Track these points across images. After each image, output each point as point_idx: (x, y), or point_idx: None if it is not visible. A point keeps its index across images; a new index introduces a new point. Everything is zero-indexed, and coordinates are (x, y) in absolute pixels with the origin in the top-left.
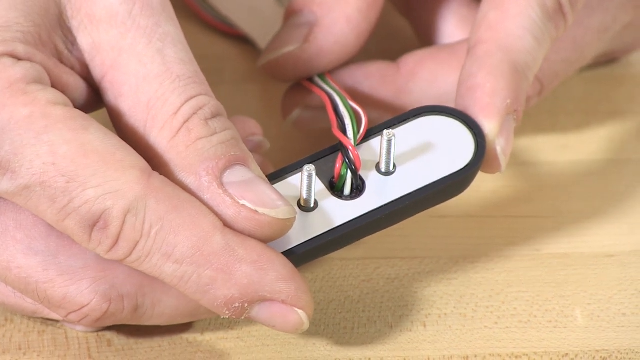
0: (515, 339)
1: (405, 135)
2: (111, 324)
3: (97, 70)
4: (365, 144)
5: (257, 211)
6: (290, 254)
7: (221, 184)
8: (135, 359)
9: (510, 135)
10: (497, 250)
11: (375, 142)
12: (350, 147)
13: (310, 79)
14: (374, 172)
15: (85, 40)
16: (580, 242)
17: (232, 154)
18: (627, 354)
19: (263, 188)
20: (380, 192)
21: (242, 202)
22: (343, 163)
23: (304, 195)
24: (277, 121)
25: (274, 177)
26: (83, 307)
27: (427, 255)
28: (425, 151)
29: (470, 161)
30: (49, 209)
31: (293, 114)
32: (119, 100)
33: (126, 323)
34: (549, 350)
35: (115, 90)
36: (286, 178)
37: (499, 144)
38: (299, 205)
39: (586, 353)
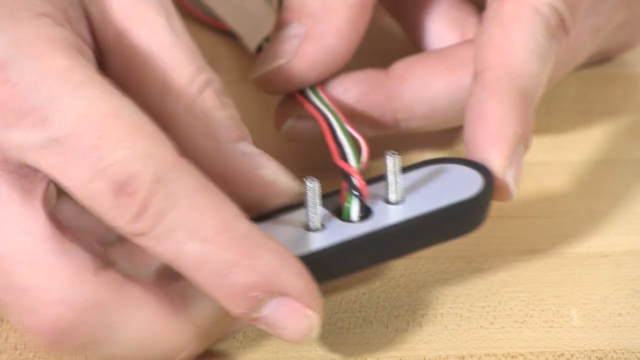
0: (511, 338)
1: (412, 177)
2: (65, 348)
3: (109, 40)
4: (371, 186)
5: (276, 180)
6: None
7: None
8: None
9: (521, 163)
10: (493, 250)
11: (381, 185)
12: (355, 175)
13: (303, 91)
14: (382, 203)
15: (97, 10)
16: (576, 242)
17: (242, 129)
18: (623, 353)
19: (274, 162)
20: (387, 217)
21: (262, 170)
22: (348, 191)
23: (310, 212)
24: (272, 122)
25: (282, 211)
26: (45, 307)
27: (423, 255)
28: (434, 186)
29: (478, 193)
30: (76, 167)
31: (286, 124)
32: (129, 68)
33: (81, 351)
34: (544, 350)
35: (125, 59)
36: (292, 212)
37: (510, 174)
38: (305, 227)
39: (582, 353)
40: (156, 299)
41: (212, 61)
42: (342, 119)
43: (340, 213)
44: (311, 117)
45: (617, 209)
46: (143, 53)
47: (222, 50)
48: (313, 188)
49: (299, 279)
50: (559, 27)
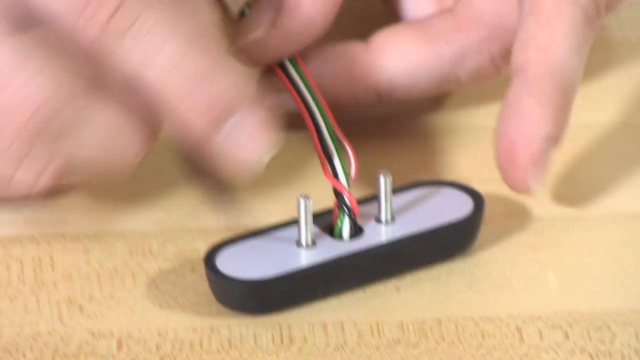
0: (489, 302)
1: (404, 197)
2: (40, 139)
3: None
4: (363, 205)
5: None
6: (283, 281)
7: None
8: (107, 325)
9: (547, 162)
10: None
11: (372, 204)
12: (346, 192)
13: (282, 64)
14: (373, 222)
15: None
16: (553, 206)
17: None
18: (599, 315)
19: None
20: (377, 236)
21: None
22: (340, 209)
23: (301, 228)
24: None
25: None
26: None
27: None
28: (425, 207)
29: (468, 215)
30: None
31: (266, 99)
32: None
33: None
34: (522, 314)
35: None
36: (284, 228)
37: (533, 173)
38: (297, 243)
39: (558, 315)
40: (119, 103)
41: None
42: (327, 113)
43: (332, 231)
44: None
45: (593, 172)
46: None
47: None
48: (305, 205)
49: (259, 101)
50: (596, 14)
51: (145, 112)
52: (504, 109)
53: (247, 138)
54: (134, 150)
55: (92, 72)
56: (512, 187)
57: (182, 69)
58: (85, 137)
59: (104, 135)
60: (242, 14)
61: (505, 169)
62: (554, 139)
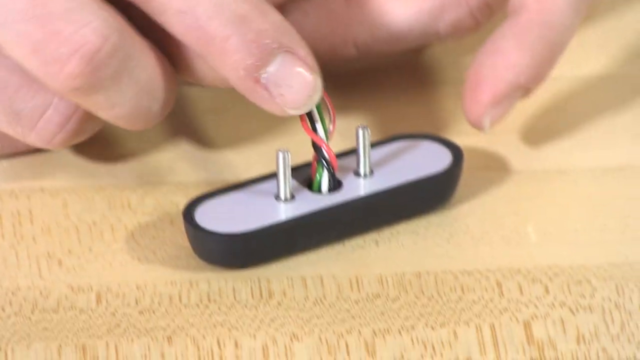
0: (467, 255)
1: (383, 151)
2: (90, 88)
3: None
4: (342, 159)
5: None
6: (261, 235)
7: None
8: (86, 278)
9: (508, 107)
10: None
11: (351, 157)
12: (324, 146)
13: None
14: (352, 175)
15: None
16: (533, 159)
17: None
18: (579, 269)
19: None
20: (356, 189)
21: None
22: (318, 163)
23: (280, 182)
24: None
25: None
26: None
27: None
28: (404, 160)
29: (446, 168)
30: None
31: None
32: None
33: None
34: (501, 267)
35: None
36: (263, 182)
37: (490, 112)
38: (275, 197)
39: (537, 269)
40: (156, 52)
41: None
42: None
43: (310, 184)
44: None
45: (574, 125)
46: None
47: None
48: (284, 159)
49: (303, 41)
50: None
51: (179, 61)
52: (486, 43)
53: (293, 77)
54: (170, 96)
55: (132, 19)
56: (467, 117)
57: (224, 11)
58: (131, 83)
59: (146, 82)
60: None
61: (466, 98)
62: (523, 88)
